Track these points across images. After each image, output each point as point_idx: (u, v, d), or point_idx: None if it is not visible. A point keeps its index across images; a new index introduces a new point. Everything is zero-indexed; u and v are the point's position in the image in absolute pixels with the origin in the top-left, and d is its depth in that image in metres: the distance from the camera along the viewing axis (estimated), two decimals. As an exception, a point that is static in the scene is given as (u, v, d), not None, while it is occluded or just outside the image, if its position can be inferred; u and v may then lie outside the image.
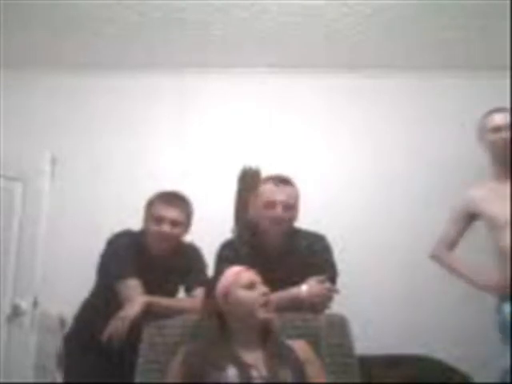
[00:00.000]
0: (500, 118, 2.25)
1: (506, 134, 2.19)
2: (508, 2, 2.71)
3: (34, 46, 3.18)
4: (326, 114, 3.39)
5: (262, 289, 1.69)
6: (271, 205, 2.01)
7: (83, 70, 3.37)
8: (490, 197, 2.20)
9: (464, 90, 3.32)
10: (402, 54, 3.28)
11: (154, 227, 2.05)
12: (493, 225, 2.16)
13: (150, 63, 3.36)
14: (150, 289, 1.95)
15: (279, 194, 2.02)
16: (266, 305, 1.66)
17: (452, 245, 2.32)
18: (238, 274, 1.72)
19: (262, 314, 1.66)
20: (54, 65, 3.34)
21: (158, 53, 3.27)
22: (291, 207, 2.04)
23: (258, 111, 3.39)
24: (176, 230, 2.06)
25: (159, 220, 2.04)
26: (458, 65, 3.33)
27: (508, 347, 2.05)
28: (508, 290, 2.08)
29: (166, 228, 2.03)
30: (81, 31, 3.02)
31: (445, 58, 3.30)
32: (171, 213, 2.05)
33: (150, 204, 2.12)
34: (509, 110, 2.26)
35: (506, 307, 2.08)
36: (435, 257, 2.36)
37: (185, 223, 2.11)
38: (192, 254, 2.19)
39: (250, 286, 1.69)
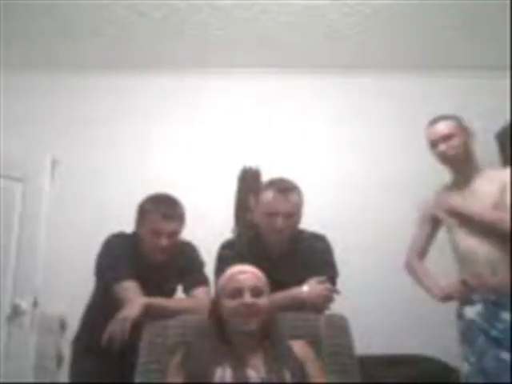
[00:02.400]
0: (435, 132, 2.17)
1: (443, 147, 2.13)
2: (508, 2, 2.72)
3: (35, 46, 3.19)
4: (326, 114, 3.39)
5: (245, 299, 1.63)
6: (272, 215, 1.98)
7: (83, 70, 3.37)
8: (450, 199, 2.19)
9: (464, 90, 3.32)
10: (402, 53, 3.28)
11: (151, 239, 2.01)
12: (451, 227, 2.16)
13: (149, 63, 3.37)
14: (147, 289, 1.93)
15: (281, 205, 1.98)
16: (245, 316, 1.62)
17: (422, 252, 2.31)
18: (229, 279, 1.70)
19: (239, 327, 1.64)
20: (54, 65, 3.35)
21: (157, 53, 3.27)
22: (293, 216, 2.01)
23: (258, 111, 3.39)
24: (174, 240, 2.04)
25: (157, 233, 1.99)
26: (458, 65, 3.34)
27: (468, 351, 2.03)
28: (453, 295, 2.12)
29: (164, 241, 1.99)
30: (81, 31, 3.02)
31: (445, 57, 3.31)
32: (169, 226, 2.00)
33: (145, 212, 2.05)
34: (449, 118, 2.18)
35: (468, 311, 2.07)
36: (407, 264, 2.33)
37: (181, 229, 2.08)
38: (189, 252, 2.17)
39: (235, 294, 1.65)
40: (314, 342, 1.76)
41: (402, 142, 3.29)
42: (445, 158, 2.17)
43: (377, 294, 2.98)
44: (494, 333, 1.95)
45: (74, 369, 2.15)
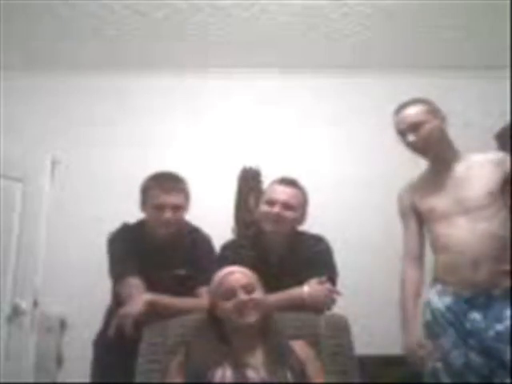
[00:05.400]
0: (402, 121, 1.98)
1: (411, 138, 1.95)
2: (508, 2, 2.72)
3: (35, 47, 3.18)
4: (326, 114, 3.39)
5: (240, 296, 1.65)
6: (271, 203, 2.02)
7: (83, 70, 3.37)
8: (425, 189, 2.04)
9: (464, 90, 3.32)
10: (402, 53, 3.28)
11: (155, 214, 2.02)
12: (430, 217, 2.00)
13: (149, 63, 3.37)
14: (157, 275, 1.94)
15: (280, 193, 2.03)
16: (242, 312, 1.64)
17: (418, 255, 2.05)
18: (219, 282, 1.72)
19: (239, 321, 1.65)
20: (54, 65, 3.34)
21: (157, 53, 3.27)
22: (291, 207, 2.02)
23: (258, 111, 3.39)
24: (178, 215, 2.04)
25: (161, 208, 2.00)
26: (458, 65, 3.34)
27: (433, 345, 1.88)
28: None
29: (168, 215, 1.99)
30: (81, 31, 3.02)
31: (445, 57, 3.31)
32: (172, 199, 2.01)
33: (147, 189, 2.08)
34: (418, 102, 2.00)
35: (438, 302, 1.91)
36: (402, 281, 2.05)
37: (185, 205, 2.09)
38: (201, 242, 2.15)
39: (229, 295, 1.67)
40: (314, 342, 1.76)
41: (401, 142, 3.28)
42: (416, 149, 1.99)
43: (376, 293, 2.97)
44: (461, 331, 1.83)
45: (94, 367, 2.13)
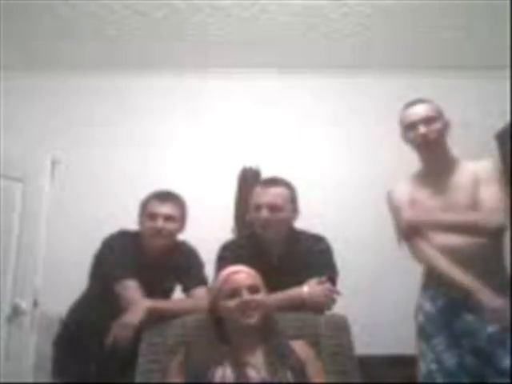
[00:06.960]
0: (414, 113, 1.98)
1: (422, 129, 1.93)
2: (508, 2, 2.72)
3: (35, 46, 3.18)
4: (326, 114, 3.39)
5: (244, 296, 1.66)
6: (257, 207, 2.01)
7: (83, 70, 3.37)
8: (421, 193, 2.02)
9: (464, 90, 3.32)
10: (402, 53, 3.29)
11: (148, 223, 2.06)
12: None
13: (149, 63, 3.37)
14: (147, 288, 1.94)
15: (264, 197, 2.00)
16: (244, 312, 1.65)
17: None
18: (224, 281, 1.72)
19: (240, 321, 1.65)
20: (54, 65, 3.35)
21: (157, 53, 3.27)
22: (279, 208, 1.99)
23: (258, 111, 3.39)
24: (170, 226, 2.06)
25: (153, 216, 2.05)
26: (458, 65, 3.34)
27: (427, 348, 1.90)
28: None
29: (160, 223, 2.03)
30: (81, 31, 3.02)
31: (445, 57, 3.31)
32: (164, 209, 2.06)
33: (144, 203, 2.13)
34: (429, 101, 2.02)
35: (429, 305, 1.94)
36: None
37: (179, 219, 2.11)
38: (189, 252, 2.19)
39: (233, 294, 1.67)
40: (314, 342, 1.77)
41: (400, 141, 3.28)
42: (426, 143, 1.95)
43: (376, 293, 2.98)
44: (453, 332, 1.86)
45: (57, 369, 2.15)
